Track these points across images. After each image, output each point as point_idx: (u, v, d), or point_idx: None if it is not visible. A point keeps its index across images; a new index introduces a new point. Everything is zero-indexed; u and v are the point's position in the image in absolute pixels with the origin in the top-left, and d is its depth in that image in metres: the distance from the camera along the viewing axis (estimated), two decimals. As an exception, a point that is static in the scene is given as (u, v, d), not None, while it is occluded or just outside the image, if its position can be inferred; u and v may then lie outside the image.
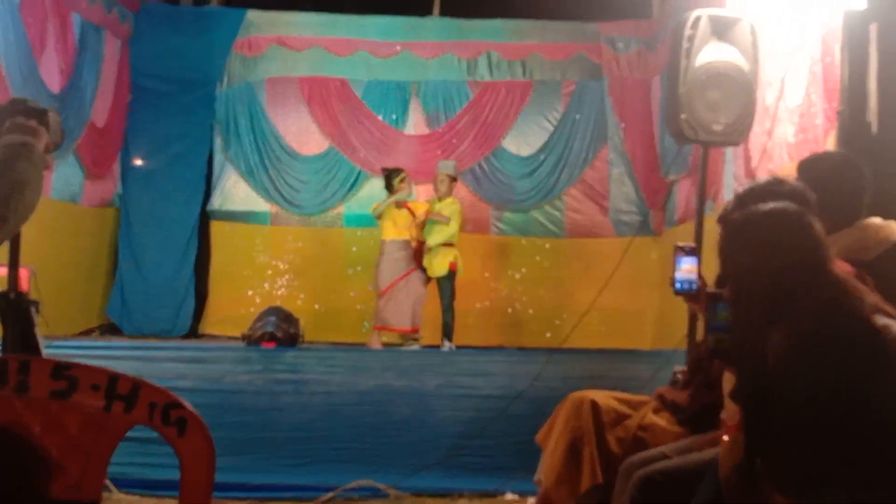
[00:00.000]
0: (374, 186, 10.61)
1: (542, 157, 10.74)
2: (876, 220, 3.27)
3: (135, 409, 1.83)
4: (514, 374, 6.00)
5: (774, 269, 2.36)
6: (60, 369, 1.84)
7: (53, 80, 8.50)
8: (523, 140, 10.81)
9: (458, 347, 8.78)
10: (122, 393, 1.83)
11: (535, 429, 3.83)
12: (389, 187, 8.99)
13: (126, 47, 10.19)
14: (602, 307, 8.84)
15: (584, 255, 10.33)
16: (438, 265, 8.82)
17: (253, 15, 10.64)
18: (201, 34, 10.39)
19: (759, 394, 2.36)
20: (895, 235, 3.22)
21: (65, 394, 1.82)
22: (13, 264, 2.93)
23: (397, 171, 9.05)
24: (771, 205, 2.47)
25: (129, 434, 2.04)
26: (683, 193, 9.11)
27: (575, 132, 10.74)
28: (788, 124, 5.82)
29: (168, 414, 1.83)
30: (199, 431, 1.84)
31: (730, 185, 7.13)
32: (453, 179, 9.13)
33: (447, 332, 8.76)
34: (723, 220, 2.67)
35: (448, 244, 8.91)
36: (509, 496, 5.31)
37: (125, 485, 5.17)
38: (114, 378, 1.83)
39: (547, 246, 10.66)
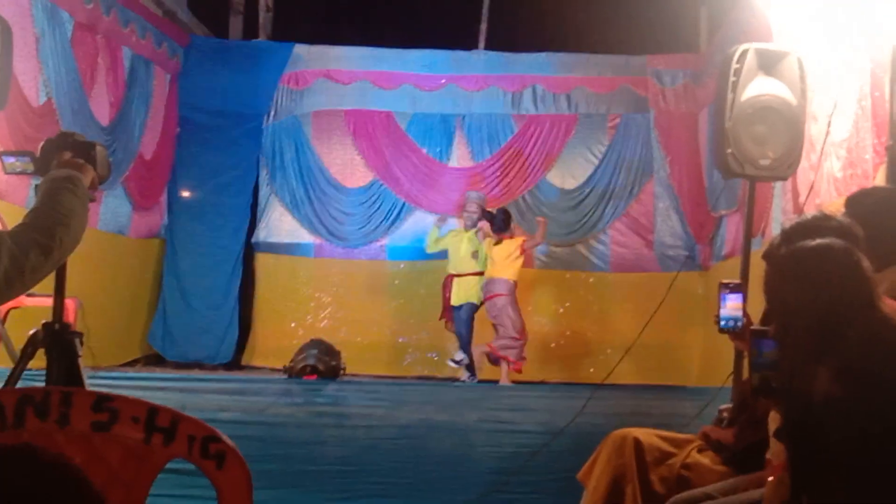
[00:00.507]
0: (418, 219, 10.68)
1: (586, 190, 10.73)
2: (926, 258, 3.20)
3: (174, 441, 1.83)
4: (556, 409, 5.94)
5: (821, 305, 2.32)
6: (101, 401, 1.84)
7: (103, 113, 8.66)
8: (568, 173, 10.80)
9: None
10: (162, 425, 1.83)
11: (578, 466, 3.78)
12: (505, 228, 9.14)
13: (175, 81, 10.36)
14: (647, 343, 8.73)
15: (628, 290, 10.26)
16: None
17: (300, 49, 10.78)
18: (249, 68, 10.55)
19: (805, 432, 2.31)
20: (947, 273, 3.15)
21: (106, 426, 1.83)
22: (58, 295, 2.96)
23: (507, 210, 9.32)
24: (817, 241, 2.43)
25: (168, 466, 2.04)
26: (733, 228, 9.02)
27: (620, 165, 10.72)
28: (836, 159, 5.75)
29: (207, 447, 1.82)
30: (237, 465, 1.83)
31: (778, 221, 7.04)
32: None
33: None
34: (768, 256, 2.63)
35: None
36: (551, 533, 5.25)
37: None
38: (153, 410, 1.83)
39: (591, 280, 10.60)
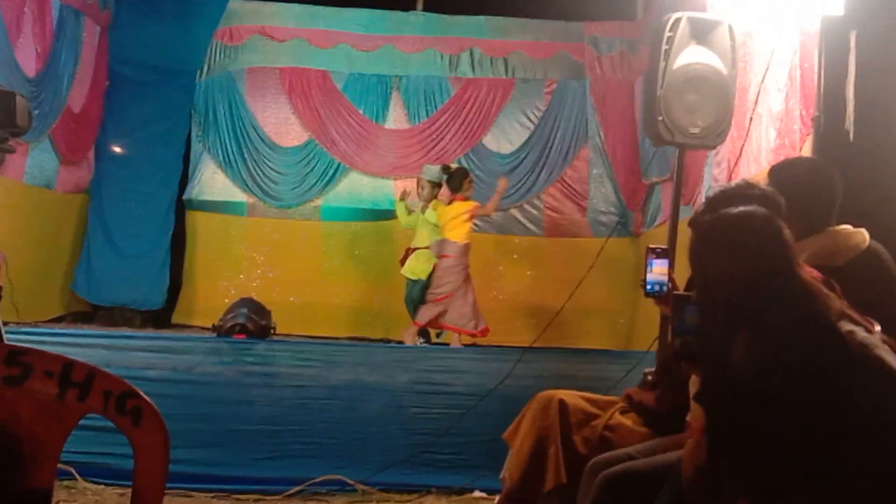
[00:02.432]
0: (353, 180, 10.63)
1: (522, 155, 10.74)
2: (846, 227, 3.28)
3: (89, 397, 1.80)
4: (485, 371, 5.98)
5: (741, 272, 2.36)
6: (14, 355, 1.81)
7: (29, 64, 8.39)
8: (504, 137, 10.81)
9: (433, 344, 8.81)
10: (77, 380, 1.80)
11: (505, 427, 3.82)
12: (457, 188, 8.79)
13: (105, 34, 10.09)
14: (578, 307, 8.85)
15: (561, 255, 10.33)
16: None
17: (235, 4, 10.56)
18: (182, 22, 10.29)
19: (723, 397, 2.36)
20: (865, 243, 3.24)
21: (18, 380, 1.80)
22: (-22, 248, 2.89)
23: (465, 171, 9.02)
24: (740, 208, 2.47)
25: (94, 423, 2.01)
26: (667, 196, 9.11)
27: (556, 131, 10.75)
28: (772, 129, 5.83)
29: (123, 403, 1.80)
30: (154, 421, 1.81)
31: (707, 189, 7.13)
32: (437, 185, 9.01)
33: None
34: (694, 223, 2.67)
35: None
36: (477, 493, 5.31)
37: (90, 474, 5.14)
38: (68, 365, 1.81)
39: (525, 244, 10.65)
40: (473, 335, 8.74)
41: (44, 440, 1.82)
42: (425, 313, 8.66)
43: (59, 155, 9.30)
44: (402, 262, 8.98)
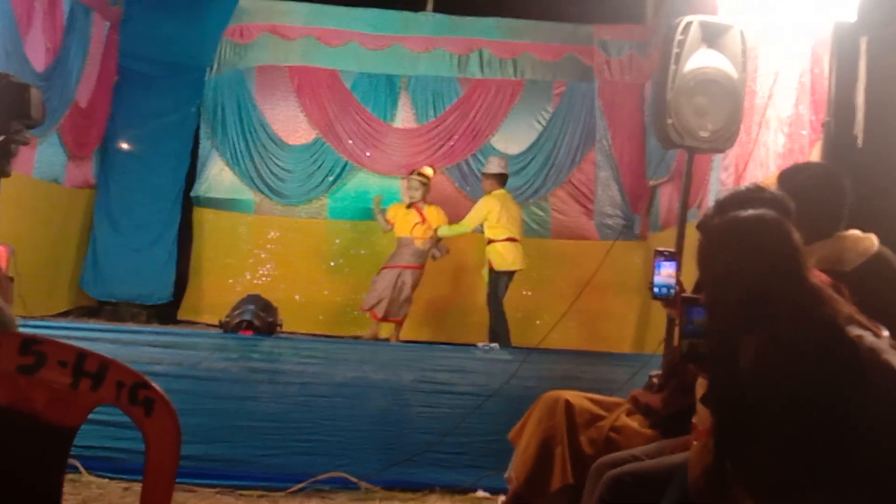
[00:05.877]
0: (360, 179, 10.64)
1: (529, 156, 10.75)
2: (855, 233, 3.28)
3: (102, 387, 1.81)
4: (491, 371, 5.99)
5: (750, 275, 2.36)
6: (28, 344, 1.82)
7: (38, 58, 8.41)
8: (511, 139, 10.81)
9: (437, 343, 8.81)
10: (90, 371, 1.81)
11: (509, 427, 3.82)
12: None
13: (115, 30, 10.11)
14: (584, 309, 8.86)
15: (568, 257, 10.33)
16: None
17: (246, 2, 10.59)
18: (193, 19, 10.31)
19: (730, 399, 2.36)
20: (874, 248, 3.23)
21: (32, 369, 1.80)
22: (-11, 240, 2.90)
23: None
24: (750, 211, 2.47)
25: (100, 417, 2.01)
26: (666, 198, 9.11)
27: (563, 133, 10.76)
28: (780, 134, 5.83)
29: (136, 394, 1.81)
30: (166, 413, 1.82)
31: (715, 193, 7.13)
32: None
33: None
34: (702, 225, 2.66)
35: None
36: (480, 493, 5.32)
37: (94, 467, 5.15)
38: (82, 355, 1.81)
39: (531, 246, 10.63)
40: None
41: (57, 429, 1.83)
42: None
43: (67, 150, 9.32)
44: None
